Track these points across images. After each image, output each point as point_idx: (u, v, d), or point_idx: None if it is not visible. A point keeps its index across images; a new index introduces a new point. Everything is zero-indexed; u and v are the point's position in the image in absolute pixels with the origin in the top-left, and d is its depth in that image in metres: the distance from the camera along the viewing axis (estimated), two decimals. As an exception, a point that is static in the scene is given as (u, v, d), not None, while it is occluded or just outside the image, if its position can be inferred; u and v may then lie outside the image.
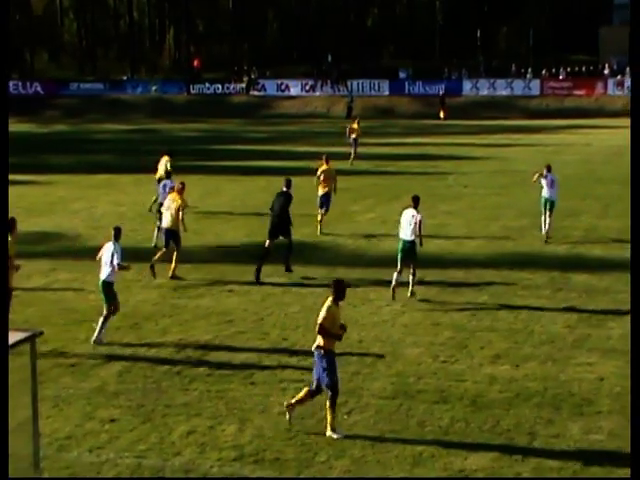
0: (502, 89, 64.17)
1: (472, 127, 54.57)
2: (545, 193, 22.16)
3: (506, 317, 16.09)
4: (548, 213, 22.00)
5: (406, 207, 17.78)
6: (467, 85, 65.33)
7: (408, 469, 10.36)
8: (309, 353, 14.11)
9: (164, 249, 19.06)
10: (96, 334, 14.72)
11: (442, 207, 27.01)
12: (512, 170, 35.06)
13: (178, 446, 10.90)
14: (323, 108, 66.89)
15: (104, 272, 14.87)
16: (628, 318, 15.77)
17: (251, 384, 12.93)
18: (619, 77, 61.36)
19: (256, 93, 70.41)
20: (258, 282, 18.50)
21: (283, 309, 16.71)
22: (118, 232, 15.14)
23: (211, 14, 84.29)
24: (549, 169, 22.18)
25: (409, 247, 17.25)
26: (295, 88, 69.50)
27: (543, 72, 64.10)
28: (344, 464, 10.48)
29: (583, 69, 64.10)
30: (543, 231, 22.16)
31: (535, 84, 63.69)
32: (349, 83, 68.09)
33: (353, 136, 37.23)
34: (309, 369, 13.41)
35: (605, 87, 61.68)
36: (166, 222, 19.08)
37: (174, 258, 18.79)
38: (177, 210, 18.82)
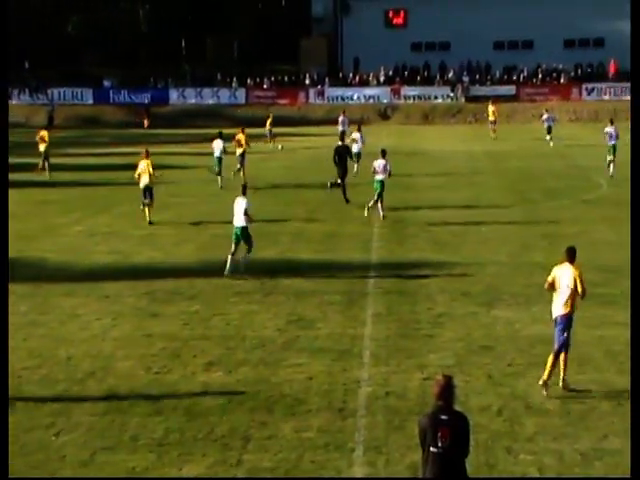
0: (209, 98, 64.84)
1: (180, 136, 54.60)
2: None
3: (218, 324, 16.18)
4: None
5: (377, 158, 25.51)
6: (174, 94, 65.34)
7: (122, 486, 10.12)
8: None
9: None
10: (242, 266, 19.28)
11: (152, 217, 26.72)
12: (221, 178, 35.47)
13: None
14: (22, 117, 63.96)
15: (239, 220, 19.29)
16: (335, 318, 16.47)
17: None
18: (319, 87, 64.10)
19: (-53, 102, 66.01)
20: (347, 202, 27.80)
21: (-16, 330, 15.70)
22: (245, 188, 19.88)
23: None
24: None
25: (382, 184, 25.25)
26: (-8, 96, 65.99)
27: (248, 81, 65.55)
28: (54, 488, 10.04)
29: (286, 79, 66.28)
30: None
31: (241, 93, 64.96)
32: (50, 91, 65.70)
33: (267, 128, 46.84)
34: None
35: (307, 96, 64.17)
36: (143, 181, 25.21)
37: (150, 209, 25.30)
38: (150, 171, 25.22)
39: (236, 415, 12.07)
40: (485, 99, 57.43)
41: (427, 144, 47.68)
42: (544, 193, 29.91)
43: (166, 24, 72.82)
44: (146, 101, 63.00)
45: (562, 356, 12.68)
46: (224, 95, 64.95)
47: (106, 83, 67.10)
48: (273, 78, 65.94)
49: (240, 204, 19.38)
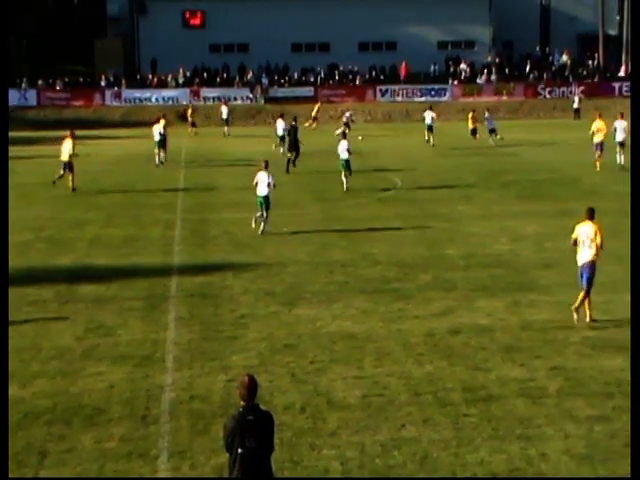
0: (-3, 99, 61.93)
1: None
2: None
3: (12, 335, 15.36)
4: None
5: (340, 139, 31.35)
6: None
7: None
8: None
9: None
10: (263, 227, 23.44)
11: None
12: (14, 184, 33.99)
13: None
14: None
15: (263, 190, 23.31)
16: (136, 323, 16.12)
17: None
18: (116, 88, 62.71)
19: None
20: (287, 172, 34.38)
21: None
22: (267, 164, 23.89)
23: None
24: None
25: (347, 163, 30.31)
26: None
27: (40, 82, 63.16)
28: None
29: (81, 80, 64.37)
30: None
31: (32, 95, 62.44)
32: None
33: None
34: None
35: (103, 98, 62.59)
36: (64, 156, 31.31)
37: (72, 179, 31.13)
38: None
39: (32, 430, 11.57)
40: (284, 100, 58.13)
41: (227, 146, 47.72)
42: (342, 192, 30.59)
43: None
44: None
45: (587, 298, 15.12)
46: (13, 97, 62.02)
47: None
48: (67, 79, 63.86)
49: (263, 176, 23.41)
